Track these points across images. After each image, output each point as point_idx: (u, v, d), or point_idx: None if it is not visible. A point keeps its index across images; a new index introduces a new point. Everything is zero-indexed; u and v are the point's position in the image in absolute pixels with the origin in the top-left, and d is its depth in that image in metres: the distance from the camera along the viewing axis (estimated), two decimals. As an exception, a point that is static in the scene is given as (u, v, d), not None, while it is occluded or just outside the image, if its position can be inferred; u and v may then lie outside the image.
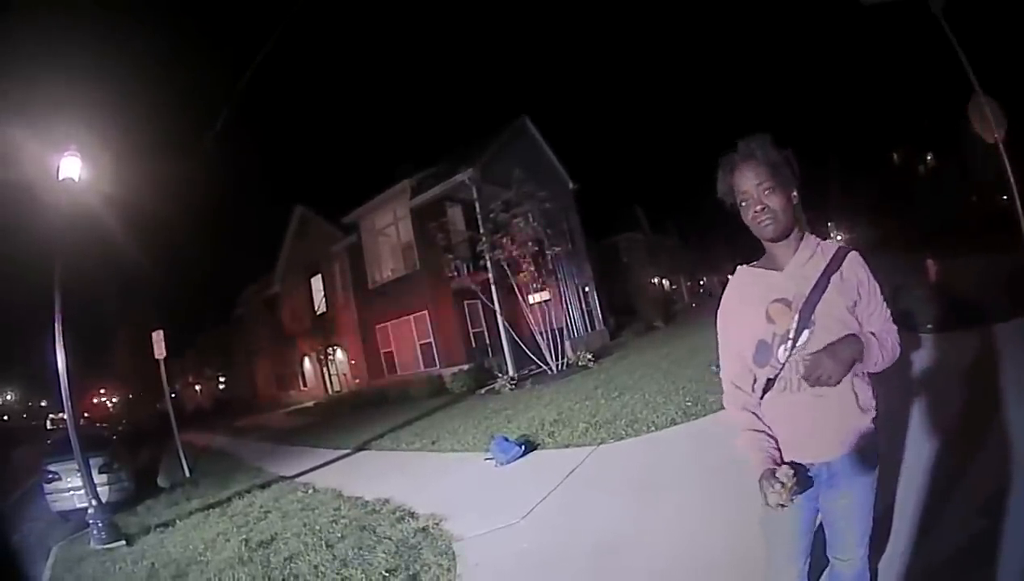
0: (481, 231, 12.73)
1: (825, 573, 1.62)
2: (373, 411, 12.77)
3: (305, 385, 23.69)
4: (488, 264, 12.84)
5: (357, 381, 18.60)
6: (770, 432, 1.39)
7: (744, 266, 1.50)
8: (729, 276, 1.53)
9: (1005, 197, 9.90)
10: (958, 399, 3.30)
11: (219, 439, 15.17)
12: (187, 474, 8.76)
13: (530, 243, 11.97)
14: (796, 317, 1.33)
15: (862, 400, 1.36)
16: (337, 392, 20.24)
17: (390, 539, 3.51)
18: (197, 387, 38.72)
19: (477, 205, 13.54)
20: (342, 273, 18.84)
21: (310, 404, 19.75)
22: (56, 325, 5.45)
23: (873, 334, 1.33)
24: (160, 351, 8.95)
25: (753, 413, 1.42)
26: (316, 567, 3.31)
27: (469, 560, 3.03)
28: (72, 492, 6.43)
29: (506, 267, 12.24)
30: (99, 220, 7.56)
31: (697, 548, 2.56)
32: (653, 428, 4.82)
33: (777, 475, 1.21)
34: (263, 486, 6.41)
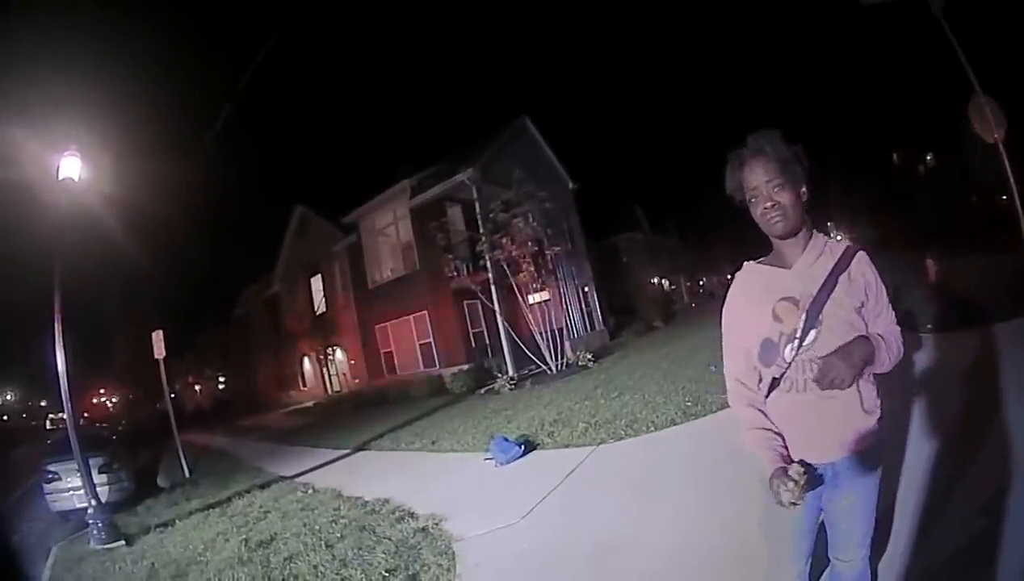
0: (481, 231, 12.73)
1: (825, 573, 1.62)
2: (373, 411, 12.77)
3: (305, 385, 23.68)
4: (488, 264, 12.83)
5: (357, 381, 18.60)
6: (777, 430, 1.37)
7: (751, 262, 1.49)
8: (729, 276, 1.53)
9: (1005, 197, 9.92)
10: (958, 399, 3.30)
11: (219, 439, 15.17)
12: (187, 474, 8.76)
13: (530, 243, 11.97)
14: (803, 317, 1.32)
15: (867, 401, 1.35)
16: (337, 392, 20.23)
17: (390, 539, 3.50)
18: (197, 387, 38.68)
19: (477, 205, 13.53)
20: (342, 273, 18.84)
21: (310, 404, 19.75)
22: (56, 325, 5.45)
23: (880, 336, 1.32)
24: (160, 351, 8.95)
25: (760, 411, 1.40)
26: (316, 567, 3.31)
27: (469, 560, 3.03)
28: (72, 492, 6.42)
29: (506, 267, 12.23)
30: (99, 220, 7.57)
31: (697, 548, 2.56)
32: (653, 428, 4.81)
33: (790, 473, 1.20)
34: (263, 486, 6.41)
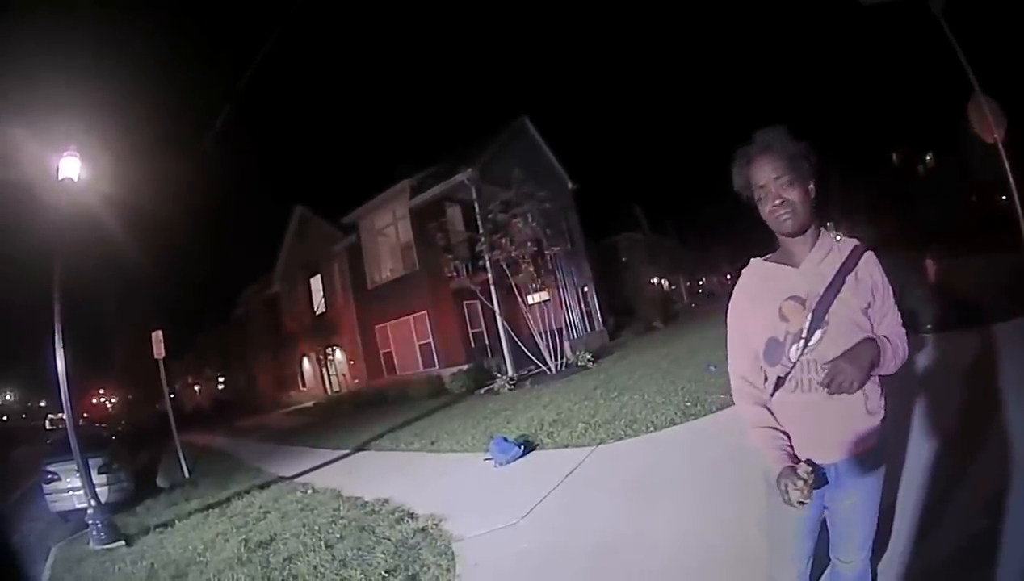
0: (480, 231, 12.72)
1: (826, 573, 1.61)
2: (372, 411, 12.76)
3: (304, 385, 23.67)
4: (487, 264, 12.82)
5: (356, 381, 18.60)
6: (783, 429, 1.36)
7: (758, 259, 1.48)
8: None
9: (1005, 197, 9.91)
10: (958, 399, 3.30)
11: (218, 439, 15.15)
12: (186, 474, 8.75)
13: (529, 243, 11.96)
14: (809, 317, 1.30)
15: (872, 402, 1.34)
16: (336, 392, 20.22)
17: (389, 539, 3.50)
18: (196, 387, 38.72)
19: (476, 205, 13.52)
20: (341, 273, 18.84)
21: (309, 404, 19.74)
22: (55, 325, 5.44)
23: (886, 337, 1.31)
24: (159, 351, 8.95)
25: (766, 409, 1.39)
26: (315, 567, 3.30)
27: (468, 560, 3.02)
28: (71, 492, 6.42)
29: (505, 267, 12.23)
30: (99, 220, 7.56)
31: (696, 548, 2.56)
32: (652, 428, 4.81)
33: (799, 472, 1.19)
34: (262, 486, 6.41)
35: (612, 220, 32.19)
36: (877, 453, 1.37)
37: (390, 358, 16.21)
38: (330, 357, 21.45)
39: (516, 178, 12.10)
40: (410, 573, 2.95)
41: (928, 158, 32.28)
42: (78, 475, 5.53)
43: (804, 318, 1.31)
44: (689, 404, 5.20)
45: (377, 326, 16.43)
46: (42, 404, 39.86)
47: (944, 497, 2.33)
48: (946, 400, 3.29)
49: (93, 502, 5.24)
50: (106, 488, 6.75)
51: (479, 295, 13.23)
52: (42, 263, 6.34)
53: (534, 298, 12.44)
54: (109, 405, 41.32)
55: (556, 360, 11.74)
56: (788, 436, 1.35)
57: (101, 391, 41.58)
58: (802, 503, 1.17)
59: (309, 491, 5.58)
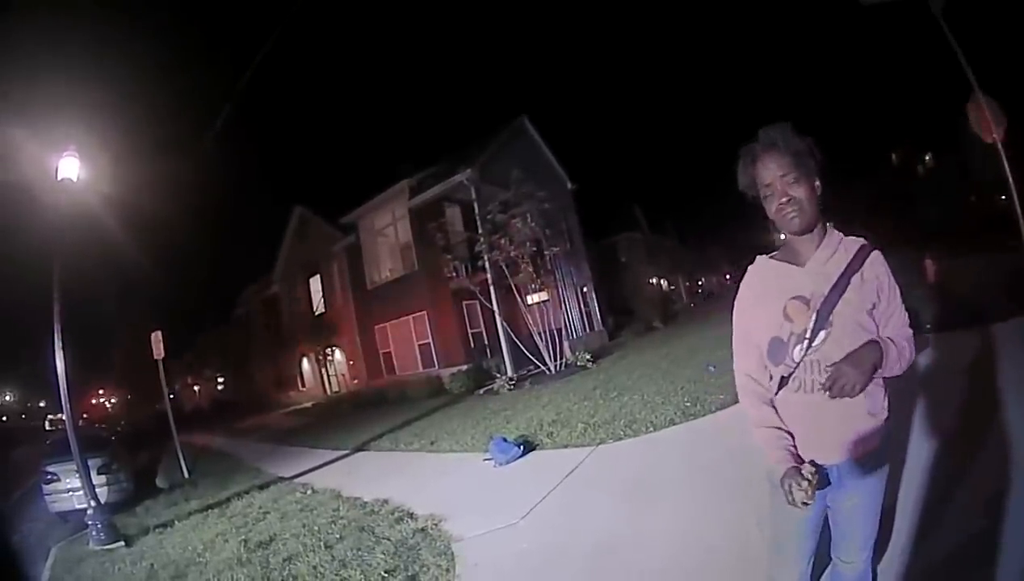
0: (480, 231, 12.72)
1: (826, 572, 1.61)
2: (372, 412, 12.75)
3: (304, 386, 23.66)
4: (487, 264, 12.82)
5: (356, 382, 18.59)
6: (788, 429, 1.35)
7: (763, 257, 1.47)
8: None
9: (1004, 197, 9.92)
10: (958, 399, 3.30)
11: (218, 440, 15.15)
12: (186, 475, 8.75)
13: (528, 243, 11.96)
14: (813, 317, 1.29)
15: (875, 404, 1.34)
16: (336, 393, 20.21)
17: (389, 540, 3.50)
18: (196, 388, 38.70)
19: (476, 205, 13.53)
20: (341, 273, 18.83)
21: (309, 405, 19.74)
22: (55, 326, 5.44)
23: (891, 339, 1.29)
24: (159, 352, 8.95)
25: (771, 408, 1.38)
26: (315, 568, 3.30)
27: (468, 560, 3.02)
28: (71, 493, 6.42)
29: (504, 267, 12.23)
30: (98, 220, 7.57)
31: (696, 548, 2.55)
32: (652, 428, 4.81)
33: (803, 472, 1.19)
34: (262, 487, 6.40)
35: (611, 220, 32.19)
36: (880, 454, 1.36)
37: (389, 358, 16.20)
38: (329, 357, 21.43)
39: (515, 178, 12.10)
40: (410, 573, 2.95)
41: (928, 158, 32.33)
42: (78, 476, 5.53)
43: (808, 319, 1.30)
44: (689, 404, 5.20)
45: (376, 326, 16.42)
46: (42, 404, 39.84)
47: (944, 497, 2.33)
48: (946, 400, 3.29)
49: (93, 502, 5.24)
50: (106, 488, 6.75)
51: (478, 295, 13.23)
52: (42, 263, 6.34)
53: (533, 298, 12.44)
54: (109, 405, 41.31)
55: (555, 360, 11.74)
56: (792, 436, 1.34)
57: (101, 391, 41.57)
58: (806, 504, 1.17)
59: (309, 491, 5.58)
